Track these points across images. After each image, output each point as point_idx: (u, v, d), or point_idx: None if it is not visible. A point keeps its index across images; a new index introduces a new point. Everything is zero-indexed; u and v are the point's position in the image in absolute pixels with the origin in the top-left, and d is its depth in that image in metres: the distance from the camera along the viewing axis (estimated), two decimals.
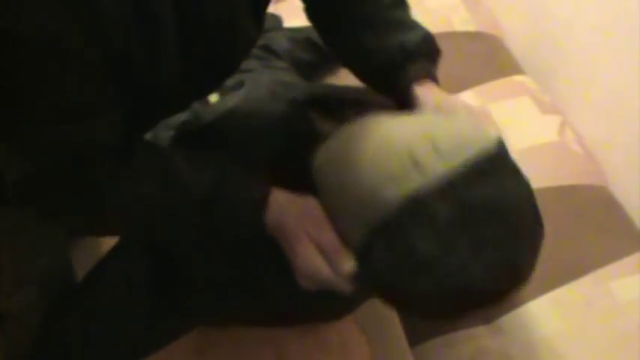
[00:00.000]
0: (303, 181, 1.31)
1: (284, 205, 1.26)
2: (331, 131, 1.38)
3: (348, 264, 1.21)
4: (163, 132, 1.59)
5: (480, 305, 1.25)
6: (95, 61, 1.03)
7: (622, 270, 1.84)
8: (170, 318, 1.45)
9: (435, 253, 1.15)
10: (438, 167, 1.18)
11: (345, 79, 2.18)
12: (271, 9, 2.43)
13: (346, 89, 1.79)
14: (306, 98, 1.65)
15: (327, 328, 1.57)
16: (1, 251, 1.27)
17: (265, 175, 1.30)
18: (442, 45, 2.38)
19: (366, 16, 1.52)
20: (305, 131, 1.53)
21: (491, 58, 2.41)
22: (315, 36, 2.24)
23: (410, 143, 1.21)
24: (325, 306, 1.47)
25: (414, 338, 1.72)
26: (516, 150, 2.09)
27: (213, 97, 1.74)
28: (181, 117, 1.62)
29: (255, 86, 1.74)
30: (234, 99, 1.70)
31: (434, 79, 1.52)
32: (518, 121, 2.18)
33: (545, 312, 1.73)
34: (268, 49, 2.19)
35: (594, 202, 2.02)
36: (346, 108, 1.56)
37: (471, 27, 2.52)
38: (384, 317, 1.66)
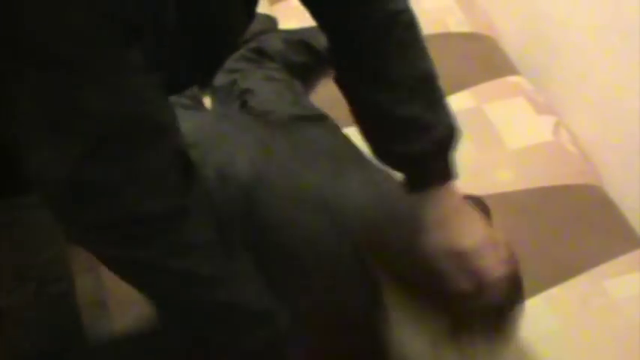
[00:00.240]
0: None
1: None
2: None
3: None
4: None
5: None
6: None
7: (617, 269, 1.85)
8: None
9: None
10: None
11: None
12: (267, 10, 2.44)
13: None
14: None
15: None
16: (1, 247, 1.27)
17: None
18: (437, 46, 2.38)
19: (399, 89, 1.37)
20: None
21: (486, 59, 2.42)
22: (309, 38, 2.25)
23: None
24: None
25: None
26: (512, 150, 2.12)
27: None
28: None
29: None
30: None
31: (451, 176, 1.44)
32: (513, 122, 2.20)
33: (541, 311, 1.74)
34: (260, 52, 2.19)
35: (589, 202, 2.03)
36: None
37: (466, 28, 2.53)
38: None
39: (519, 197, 2.00)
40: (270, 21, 2.44)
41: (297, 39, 2.26)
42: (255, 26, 2.34)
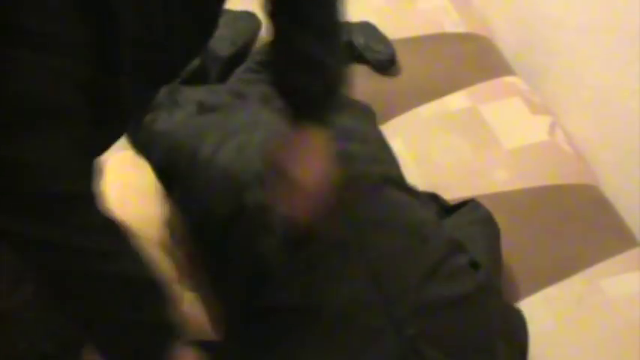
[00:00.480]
0: None
1: None
2: None
3: None
4: None
5: None
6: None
7: (612, 268, 1.85)
8: None
9: None
10: None
11: None
12: (250, 7, 2.42)
13: None
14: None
15: None
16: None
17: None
18: (433, 46, 2.41)
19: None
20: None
21: (481, 59, 2.43)
22: None
23: None
24: None
25: None
26: (507, 150, 2.13)
27: None
28: None
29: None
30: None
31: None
32: (508, 122, 2.20)
33: (537, 310, 1.75)
34: (264, 64, 2.19)
35: (585, 201, 2.03)
36: None
37: (461, 28, 2.53)
38: None
39: (515, 197, 2.00)
40: (253, 19, 2.42)
41: None
42: (240, 24, 2.37)
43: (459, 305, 1.52)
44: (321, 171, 1.51)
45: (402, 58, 2.34)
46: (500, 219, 1.81)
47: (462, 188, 1.98)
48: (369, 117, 2.03)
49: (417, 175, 1.99)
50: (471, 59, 2.42)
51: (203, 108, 1.96)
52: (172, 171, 1.84)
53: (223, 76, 2.24)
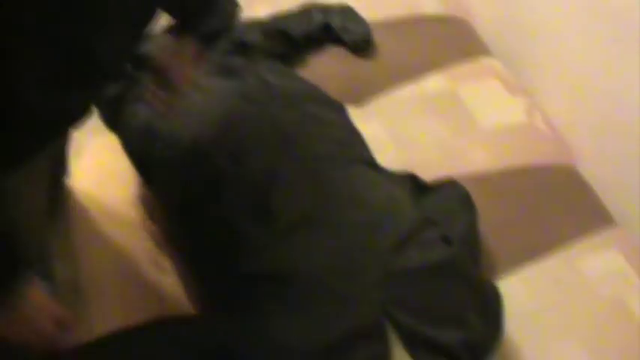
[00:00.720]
0: None
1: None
2: None
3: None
4: None
5: None
6: None
7: (590, 248, 1.87)
8: None
9: None
10: None
11: (314, 70, 2.20)
12: None
13: None
14: None
15: None
16: None
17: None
18: (412, 28, 2.40)
19: None
20: None
21: (459, 41, 2.42)
22: (286, 27, 2.26)
23: None
24: None
25: None
26: (485, 131, 2.13)
27: None
28: None
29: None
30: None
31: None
32: (486, 103, 2.20)
33: (515, 288, 1.75)
34: (244, 45, 2.19)
35: (562, 182, 2.04)
36: None
37: (440, 11, 2.52)
38: None
39: (493, 177, 2.00)
40: (232, 3, 2.41)
41: (273, 29, 2.26)
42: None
43: (428, 275, 1.56)
44: (190, 71, 1.68)
45: (379, 39, 2.32)
46: (478, 199, 1.81)
47: (440, 168, 1.97)
48: (338, 108, 2.04)
49: (394, 156, 1.99)
50: (449, 41, 2.41)
51: None
52: (147, 154, 1.85)
53: None
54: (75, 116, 1.30)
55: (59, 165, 1.67)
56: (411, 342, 1.46)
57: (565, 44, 2.22)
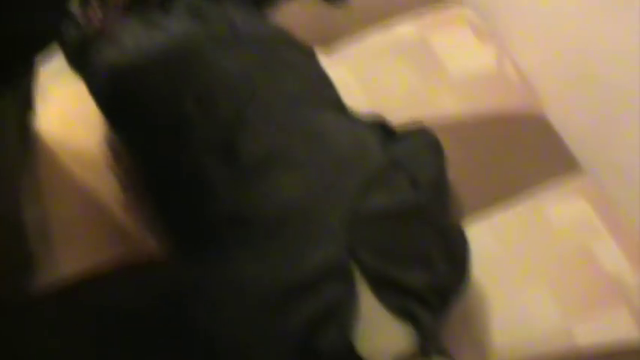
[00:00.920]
0: None
1: None
2: None
3: None
4: None
5: None
6: None
7: (558, 195, 1.87)
8: None
9: None
10: None
11: (283, 14, 2.18)
12: None
13: None
14: None
15: None
16: None
17: None
18: None
19: None
20: None
21: None
22: None
23: None
24: None
25: None
26: (455, 79, 2.12)
27: None
28: None
29: None
30: None
31: None
32: (456, 51, 2.18)
33: (482, 235, 1.75)
34: None
35: (531, 130, 2.04)
36: None
37: None
38: None
39: (462, 125, 1.99)
40: None
41: None
42: None
43: (395, 217, 1.53)
44: None
45: None
46: (447, 146, 1.80)
47: (409, 115, 1.97)
48: (308, 52, 2.03)
49: (363, 102, 1.96)
50: None
51: None
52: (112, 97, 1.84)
53: None
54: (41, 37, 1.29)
55: (27, 105, 1.65)
56: (376, 283, 1.45)
57: None
